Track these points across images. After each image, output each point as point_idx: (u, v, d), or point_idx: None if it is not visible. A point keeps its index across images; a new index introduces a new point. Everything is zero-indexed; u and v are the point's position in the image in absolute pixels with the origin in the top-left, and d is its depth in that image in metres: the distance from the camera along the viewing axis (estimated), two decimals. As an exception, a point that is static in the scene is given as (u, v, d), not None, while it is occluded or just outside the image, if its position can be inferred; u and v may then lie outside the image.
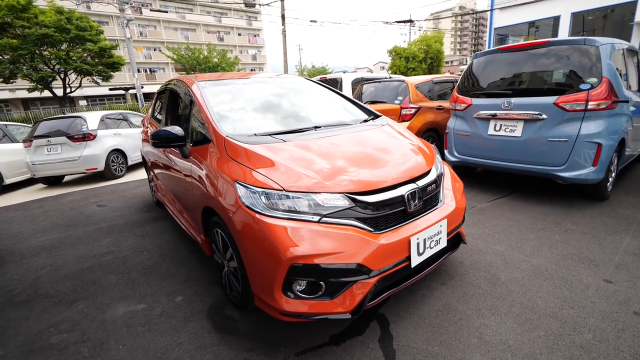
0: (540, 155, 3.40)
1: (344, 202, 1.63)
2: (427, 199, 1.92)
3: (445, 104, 5.41)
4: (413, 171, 1.92)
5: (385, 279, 1.66)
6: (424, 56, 33.36)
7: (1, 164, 6.44)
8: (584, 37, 3.30)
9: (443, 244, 1.92)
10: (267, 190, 1.63)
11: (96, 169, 6.53)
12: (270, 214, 1.58)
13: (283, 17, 15.37)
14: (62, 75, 20.42)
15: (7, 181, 6.56)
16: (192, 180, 2.21)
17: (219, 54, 25.19)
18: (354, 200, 1.65)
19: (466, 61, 69.38)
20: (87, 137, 6.46)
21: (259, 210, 1.59)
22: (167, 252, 2.92)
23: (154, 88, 33.17)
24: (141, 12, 34.59)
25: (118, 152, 7.04)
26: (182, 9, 37.93)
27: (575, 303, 1.93)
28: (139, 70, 16.32)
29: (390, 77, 6.67)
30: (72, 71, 20.17)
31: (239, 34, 45.00)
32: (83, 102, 27.14)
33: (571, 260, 2.39)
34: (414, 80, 5.32)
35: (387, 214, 1.71)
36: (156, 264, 2.70)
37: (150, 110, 3.97)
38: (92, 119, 6.78)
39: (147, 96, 20.84)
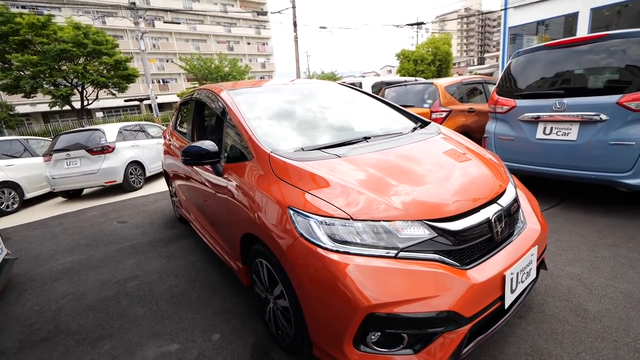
0: (601, 160, 3.02)
1: (423, 232, 1.32)
2: (511, 222, 1.59)
3: (476, 105, 5.06)
4: (493, 189, 1.59)
5: (476, 324, 1.33)
6: (433, 58, 32.88)
7: (22, 179, 6.32)
8: (649, 29, 2.93)
9: (533, 275, 1.58)
10: (330, 220, 1.32)
11: (115, 181, 6.36)
12: (337, 249, 1.27)
13: (295, 24, 15.20)
14: (79, 89, 20.69)
15: (28, 195, 6.44)
16: (229, 201, 1.92)
17: (229, 63, 25.23)
18: (434, 228, 1.33)
19: (474, 62, 68.45)
20: (106, 149, 6.30)
21: (322, 244, 1.29)
22: (195, 276, 2.63)
23: (167, 98, 33.61)
24: (154, 25, 35.06)
25: (136, 164, 6.87)
26: (193, 20, 38.37)
27: (698, 345, 1.56)
28: (152, 82, 16.31)
29: (416, 80, 6.34)
30: (89, 84, 20.44)
31: (248, 43, 45.28)
32: (100, 114, 27.48)
33: (666, 285, 2.01)
34: (443, 82, 4.98)
35: (473, 244, 1.38)
36: (185, 292, 2.42)
37: (172, 122, 3.73)
38: (110, 131, 6.63)
39: (162, 106, 20.95)
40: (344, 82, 3.23)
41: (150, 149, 7.45)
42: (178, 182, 3.32)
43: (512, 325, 1.80)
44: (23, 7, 25.84)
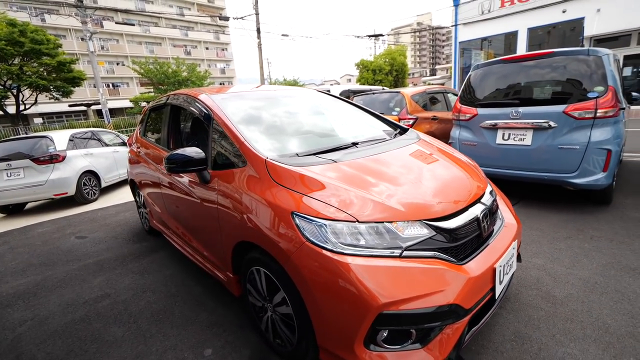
0: (551, 162, 3.39)
1: (423, 231, 1.39)
2: (493, 219, 1.74)
3: (439, 114, 5.41)
4: (478, 189, 1.73)
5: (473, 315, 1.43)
6: (390, 69, 34.49)
7: (-51, 193, 5.52)
8: (587, 48, 3.37)
9: (514, 267, 1.73)
10: (336, 223, 1.35)
11: (66, 193, 5.79)
12: (345, 252, 1.30)
13: (258, 30, 15.09)
14: (14, 92, 18.63)
15: (-43, 212, 5.65)
16: (219, 210, 1.86)
17: (188, 68, 24.27)
18: (432, 227, 1.41)
19: (427, 73, 72.89)
20: (55, 158, 5.73)
21: (330, 248, 1.31)
22: (175, 291, 2.49)
23: (118, 103, 31.45)
24: (102, 26, 32.78)
25: (90, 174, 6.33)
26: (147, 22, 36.48)
27: (647, 320, 1.81)
28: (97, 86, 15.15)
29: (383, 89, 6.61)
30: (26, 87, 18.48)
31: (207, 48, 44.01)
32: (39, 120, 24.86)
33: (614, 270, 2.30)
34: (409, 91, 5.27)
35: (465, 240, 1.49)
36: (167, 308, 2.28)
37: (139, 129, 3.52)
38: (59, 138, 6.06)
39: (112, 112, 19.53)
40: (323, 90, 3.30)
41: (105, 157, 6.94)
42: (150, 192, 3.13)
43: (495, 315, 1.94)
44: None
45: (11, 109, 19.29)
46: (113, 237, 3.76)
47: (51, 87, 19.17)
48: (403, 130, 2.50)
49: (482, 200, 1.69)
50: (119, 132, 10.68)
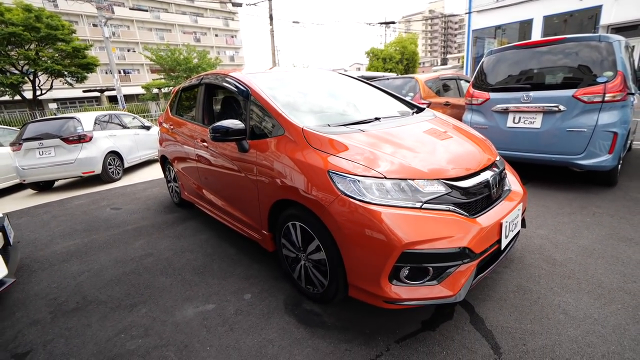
0: (559, 145, 3.57)
1: (441, 188, 1.63)
2: (502, 184, 1.97)
3: (451, 99, 5.57)
4: (488, 159, 1.96)
5: (482, 260, 1.68)
6: (400, 57, 34.15)
7: (-15, 170, 5.93)
8: (598, 34, 3.50)
9: (519, 226, 1.97)
10: (367, 179, 1.60)
11: (93, 172, 6.15)
12: (374, 202, 1.55)
13: (271, 16, 15.17)
14: (31, 77, 19.09)
15: (-7, 188, 6.05)
16: (257, 174, 2.13)
17: (199, 55, 24.46)
18: (449, 185, 1.65)
19: (437, 62, 71.64)
20: (83, 138, 6.07)
21: (361, 199, 1.56)
22: (211, 251, 2.79)
23: (129, 90, 31.80)
24: (113, 12, 32.90)
25: (114, 154, 6.68)
26: (157, 8, 36.54)
27: (636, 277, 2.03)
28: (112, 72, 15.49)
29: (397, 76, 6.76)
30: (42, 72, 18.91)
31: (216, 35, 43.96)
32: (53, 105, 25.42)
33: (612, 240, 2.52)
34: (423, 77, 5.42)
35: (477, 199, 1.73)
36: (206, 264, 2.58)
37: (172, 108, 3.78)
38: (86, 119, 6.38)
39: (124, 99, 19.87)
40: (344, 72, 3.51)
41: (127, 139, 7.25)
42: (183, 165, 3.42)
43: (499, 272, 2.19)
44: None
45: (28, 94, 19.81)
46: (145, 209, 4.08)
47: (66, 72, 19.57)
48: (420, 110, 2.71)
49: (492, 167, 1.92)
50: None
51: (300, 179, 1.80)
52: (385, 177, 1.60)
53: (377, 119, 2.25)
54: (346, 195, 1.59)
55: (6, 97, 19.39)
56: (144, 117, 16.83)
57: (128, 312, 2.05)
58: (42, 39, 17.79)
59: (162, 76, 25.44)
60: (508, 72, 4.15)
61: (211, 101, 3.02)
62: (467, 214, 1.64)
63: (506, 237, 1.79)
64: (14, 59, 17.66)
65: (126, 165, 7.00)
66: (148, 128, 8.10)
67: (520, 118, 3.82)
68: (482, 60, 4.43)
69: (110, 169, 6.47)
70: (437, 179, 1.65)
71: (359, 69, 60.65)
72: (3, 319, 2.09)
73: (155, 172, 6.71)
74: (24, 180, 5.98)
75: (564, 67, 3.73)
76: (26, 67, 18.45)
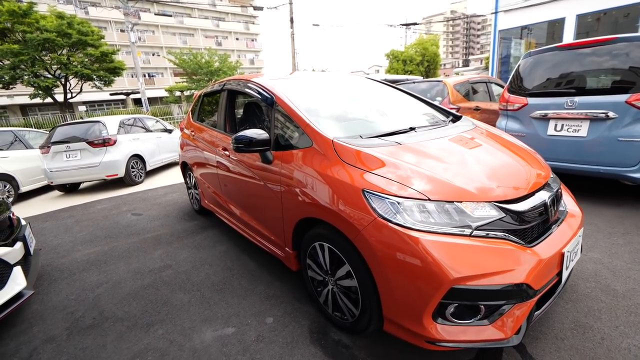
0: (608, 155, 3.23)
1: (493, 212, 1.42)
2: (558, 205, 1.73)
3: (482, 104, 5.26)
4: (543, 175, 1.72)
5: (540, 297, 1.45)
6: (421, 59, 33.50)
7: (17, 171, 6.10)
8: (657, 33, 3.15)
9: (579, 255, 1.71)
10: (407, 200, 1.40)
11: (117, 175, 6.22)
12: (417, 228, 1.35)
13: (292, 20, 15.16)
14: (62, 81, 19.92)
15: (23, 189, 6.22)
16: (281, 188, 1.97)
17: (220, 58, 24.86)
18: (502, 209, 1.43)
19: (459, 64, 70.00)
20: (108, 142, 6.15)
21: (401, 223, 1.37)
22: (230, 265, 2.66)
23: (153, 93, 32.76)
24: (139, 17, 34.08)
25: (137, 158, 6.74)
26: (181, 14, 37.54)
27: None
28: (137, 75, 15.96)
29: (423, 79, 6.50)
30: (72, 76, 19.70)
31: (237, 39, 44.66)
32: (82, 108, 26.52)
33: (680, 268, 2.20)
34: (452, 80, 5.15)
35: (534, 224, 1.50)
36: (225, 280, 2.45)
37: (193, 113, 3.71)
38: (111, 123, 6.47)
39: (148, 101, 20.42)
40: (370, 77, 3.33)
41: (150, 142, 7.32)
42: (204, 173, 3.32)
43: (552, 304, 1.93)
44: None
45: (59, 97, 20.68)
46: (165, 215, 4.03)
47: (94, 76, 20.29)
48: (455, 117, 2.49)
49: (548, 186, 1.68)
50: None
51: (330, 197, 1.62)
52: (429, 199, 1.40)
53: (412, 129, 2.05)
54: (384, 218, 1.40)
55: (38, 100, 20.30)
56: (166, 119, 17.22)
57: (144, 332, 1.94)
58: (73, 44, 18.52)
59: (185, 79, 26.01)
60: (547, 75, 3.83)
61: (233, 108, 2.91)
62: (523, 243, 1.42)
63: (567, 268, 1.55)
64: (48, 63, 18.48)
65: (148, 168, 7.06)
66: (170, 131, 8.18)
67: (562, 125, 3.50)
68: (519, 62, 4.13)
69: (133, 172, 6.54)
70: (488, 202, 1.43)
71: (377, 71, 60.08)
72: (20, 334, 2.02)
73: (175, 176, 6.73)
74: (52, 182, 6.11)
75: (613, 69, 3.39)
76: (58, 72, 19.26)
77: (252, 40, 46.61)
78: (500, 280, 1.29)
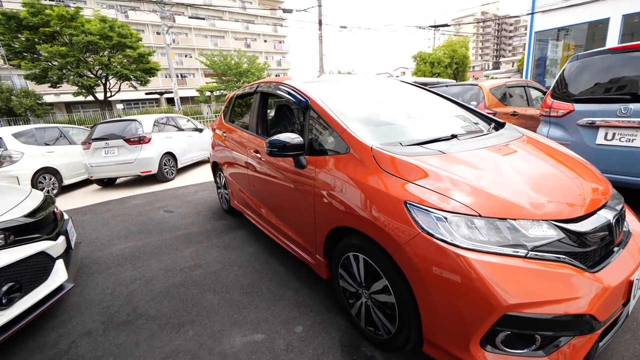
0: (668, 168, 2.92)
1: (551, 232, 1.27)
2: (622, 225, 1.54)
3: (519, 109, 4.96)
4: (604, 192, 1.54)
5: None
6: (450, 61, 32.53)
7: (61, 165, 6.44)
8: None
9: (646, 282, 1.52)
10: (455, 215, 1.29)
11: (150, 171, 6.42)
12: (466, 246, 1.24)
13: (320, 22, 15.16)
14: (103, 80, 21.02)
15: (66, 182, 6.56)
16: (315, 194, 1.90)
17: (248, 60, 25.33)
18: (561, 229, 1.28)
19: (489, 66, 67.41)
20: (143, 140, 6.37)
21: (449, 240, 1.26)
22: (259, 268, 2.63)
23: (185, 93, 33.90)
24: (174, 21, 35.38)
25: (169, 155, 6.93)
26: (213, 17, 38.65)
27: None
28: (170, 76, 16.63)
29: (456, 83, 6.25)
30: (112, 76, 20.74)
31: (265, 41, 45.37)
32: (120, 106, 27.91)
33: None
34: (488, 84, 4.90)
35: (597, 246, 1.34)
36: (254, 283, 2.42)
37: (225, 115, 3.73)
38: (146, 122, 6.70)
39: (180, 101, 21.11)
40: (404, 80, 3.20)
41: (182, 141, 7.51)
42: (234, 174, 3.33)
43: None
44: (51, -1, 26.35)
45: (99, 96, 21.85)
46: (196, 213, 4.08)
47: (132, 76, 21.27)
48: (498, 124, 2.32)
49: (611, 204, 1.51)
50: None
51: (368, 208, 1.53)
52: (479, 215, 1.28)
53: (453, 136, 1.92)
54: (428, 233, 1.30)
55: (81, 98, 21.53)
56: (196, 118, 17.74)
57: (175, 332, 1.93)
58: (114, 46, 19.49)
59: (215, 80, 26.72)
60: (596, 80, 3.53)
61: (266, 110, 2.88)
62: (585, 268, 1.27)
63: (634, 297, 1.37)
64: (91, 64, 19.57)
65: (179, 165, 7.24)
66: (200, 130, 8.37)
67: (614, 134, 3.21)
68: (565, 66, 3.84)
69: (165, 169, 6.73)
70: (546, 220, 1.29)
71: (403, 73, 58.99)
72: (60, 325, 2.08)
73: (204, 174, 6.86)
74: (91, 177, 6.42)
75: (676, 74, 3.07)
76: (100, 72, 20.34)
77: (280, 42, 47.18)
78: (561, 309, 1.16)
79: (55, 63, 18.58)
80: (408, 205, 1.38)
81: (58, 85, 20.03)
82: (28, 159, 5.91)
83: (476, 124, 2.30)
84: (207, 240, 3.24)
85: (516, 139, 1.96)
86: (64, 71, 18.83)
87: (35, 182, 5.88)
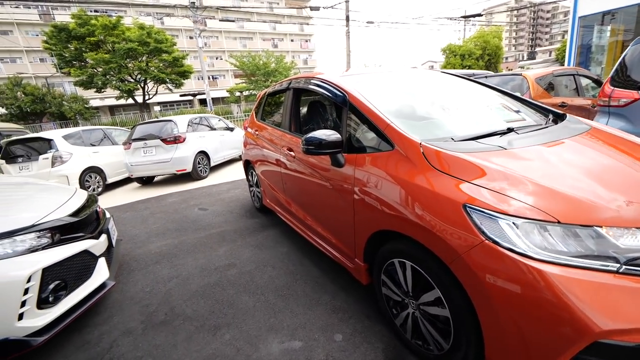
0: None
1: (650, 243, 1.04)
2: None
3: (569, 100, 4.50)
4: None
5: None
6: (482, 53, 30.88)
7: (105, 165, 6.76)
8: None
9: None
10: (528, 221, 1.09)
11: (185, 170, 6.56)
12: (542, 258, 1.04)
13: (347, 18, 14.89)
14: (142, 84, 22.07)
15: (109, 180, 6.89)
16: (354, 195, 1.75)
17: (276, 59, 25.51)
18: (660, 238, 1.05)
19: (523, 57, 63.40)
20: (178, 139, 6.51)
21: (521, 251, 1.06)
22: (293, 269, 2.53)
23: (216, 94, 34.85)
24: (206, 24, 36.39)
25: (203, 154, 7.05)
26: (241, 19, 39.42)
27: None
28: (203, 78, 17.16)
29: (496, 74, 5.82)
30: (150, 80, 21.71)
31: (292, 40, 45.57)
32: (157, 108, 29.22)
33: None
34: (533, 73, 4.48)
35: None
36: (289, 285, 2.32)
37: (257, 113, 3.67)
38: (181, 122, 6.85)
39: (213, 101, 21.67)
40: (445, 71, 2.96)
41: (214, 140, 7.62)
42: (267, 173, 3.25)
43: None
44: (95, 10, 28.06)
45: (138, 99, 22.99)
46: (229, 212, 4.08)
47: (167, 79, 22.15)
48: (557, 116, 2.04)
49: None
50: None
51: (419, 211, 1.36)
52: (558, 221, 1.07)
53: (510, 130, 1.69)
54: (494, 242, 1.11)
55: (122, 101, 22.76)
56: (227, 118, 18.14)
57: (212, 335, 1.87)
58: (151, 51, 20.36)
59: (244, 80, 27.19)
60: (667, 63, 3.08)
61: (299, 107, 2.76)
62: (694, 287, 1.02)
63: None
64: (131, 69, 20.60)
65: (212, 164, 7.36)
66: (232, 129, 8.46)
67: (692, 125, 2.77)
68: (627, 50, 3.39)
69: (199, 167, 6.86)
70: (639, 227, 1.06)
71: (432, 67, 56.93)
72: (103, 322, 2.10)
73: (236, 172, 6.92)
74: (132, 175, 6.68)
75: None
76: (139, 76, 21.36)
77: (306, 41, 47.19)
78: (669, 338, 0.93)
79: (100, 69, 19.75)
80: (468, 208, 1.19)
81: (102, 90, 21.29)
82: (76, 159, 6.25)
83: (532, 115, 2.04)
84: (240, 239, 3.20)
85: (584, 132, 1.69)
86: (107, 77, 19.97)
87: (82, 181, 6.20)
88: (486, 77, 5.15)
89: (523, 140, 1.53)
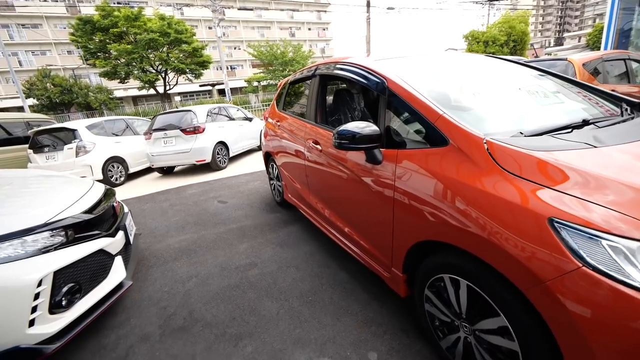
0: None
1: None
2: None
3: (619, 87, 4.01)
4: None
5: None
6: (507, 39, 29.23)
7: (127, 155, 6.75)
8: None
9: None
10: (646, 245, 0.81)
11: (205, 160, 6.45)
12: (676, 298, 0.76)
13: (368, 3, 14.25)
14: (163, 75, 22.23)
15: (131, 170, 6.89)
16: (394, 197, 1.49)
17: (293, 48, 25.06)
18: None
19: (550, 43, 59.81)
20: (197, 130, 6.38)
21: (637, 285, 0.79)
22: (318, 272, 2.32)
23: (234, 84, 34.81)
24: (224, 14, 36.14)
25: (222, 145, 6.91)
26: (259, 8, 38.89)
27: None
28: (221, 68, 17.01)
29: (534, 59, 5.32)
30: (171, 70, 21.81)
31: (309, 29, 44.67)
32: (177, 98, 29.52)
33: None
34: (579, 58, 4.00)
35: None
36: (314, 290, 2.11)
37: (278, 102, 3.43)
38: (200, 112, 6.70)
39: (231, 91, 21.61)
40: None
41: (233, 130, 7.46)
42: (289, 166, 3.03)
43: None
44: (118, 2, 28.31)
45: (160, 89, 23.20)
46: (249, 205, 3.91)
47: (187, 69, 22.19)
48: (632, 105, 1.69)
49: None
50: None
51: (484, 221, 1.09)
52: (692, 247, 0.79)
53: (586, 122, 1.37)
54: (596, 270, 0.84)
55: (143, 91, 23.06)
56: (245, 108, 18.03)
57: (233, 346, 1.70)
58: (171, 42, 20.38)
59: (262, 70, 26.95)
60: None
61: (325, 95, 2.50)
62: None
63: None
64: (152, 60, 20.73)
65: (231, 154, 7.22)
66: (250, 119, 8.28)
67: None
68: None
69: (218, 158, 6.72)
70: None
71: (451, 55, 54.57)
72: (120, 325, 1.97)
73: (255, 163, 6.76)
74: (153, 165, 6.64)
75: None
76: (160, 67, 21.50)
77: (324, 30, 46.17)
78: None
79: (123, 60, 19.97)
80: (556, 223, 0.92)
81: (125, 80, 21.59)
82: (99, 149, 6.24)
83: (604, 104, 1.71)
84: (261, 235, 3.02)
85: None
86: (130, 67, 20.18)
87: (105, 171, 6.20)
88: (522, 63, 4.68)
89: (612, 136, 1.22)
